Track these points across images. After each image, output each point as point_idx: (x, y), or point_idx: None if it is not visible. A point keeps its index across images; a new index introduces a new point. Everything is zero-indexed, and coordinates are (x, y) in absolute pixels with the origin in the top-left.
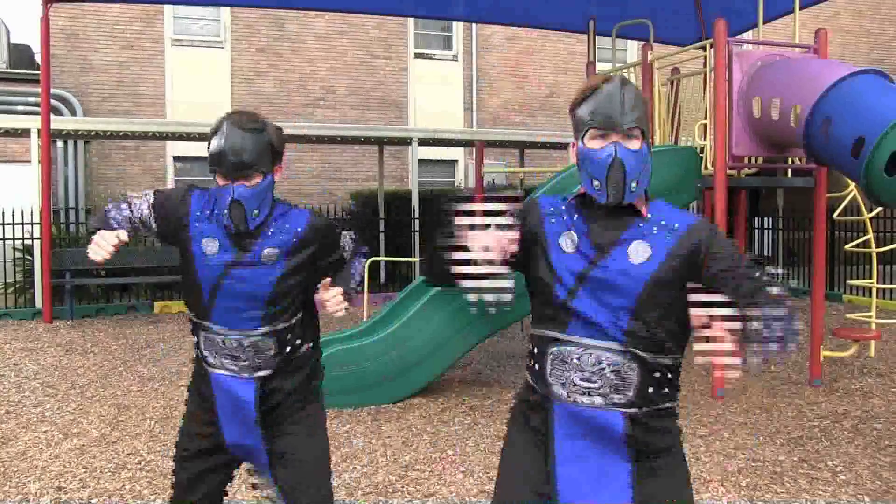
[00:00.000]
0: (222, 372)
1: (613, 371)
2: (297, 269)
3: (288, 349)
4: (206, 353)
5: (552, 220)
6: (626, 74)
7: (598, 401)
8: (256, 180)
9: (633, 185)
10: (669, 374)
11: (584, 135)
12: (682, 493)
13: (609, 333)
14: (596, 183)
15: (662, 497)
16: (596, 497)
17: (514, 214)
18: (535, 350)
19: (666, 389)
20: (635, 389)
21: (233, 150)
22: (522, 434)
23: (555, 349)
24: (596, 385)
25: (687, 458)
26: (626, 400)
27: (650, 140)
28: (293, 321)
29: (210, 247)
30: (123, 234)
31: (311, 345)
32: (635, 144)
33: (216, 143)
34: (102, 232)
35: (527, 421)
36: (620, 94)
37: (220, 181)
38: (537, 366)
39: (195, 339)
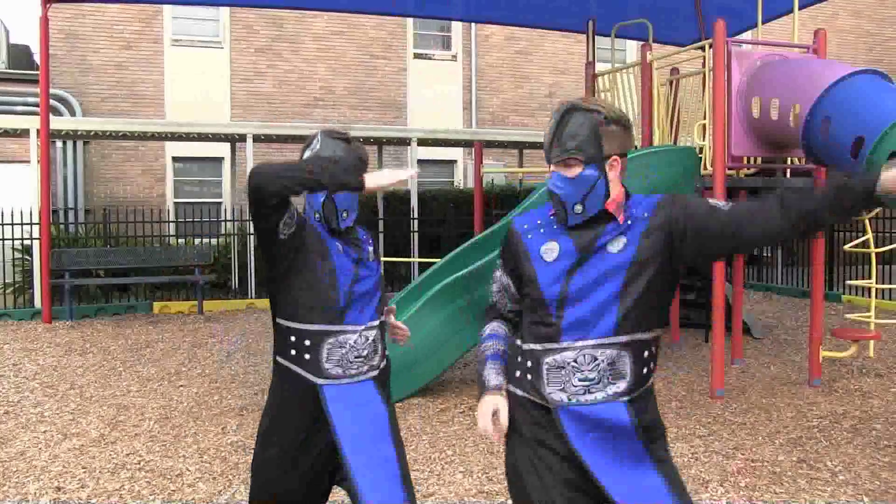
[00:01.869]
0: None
1: (609, 364)
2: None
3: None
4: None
5: (530, 236)
6: (625, 74)
7: (599, 395)
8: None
9: (578, 208)
10: (654, 349)
11: None
12: (677, 475)
13: (600, 329)
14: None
15: (674, 476)
16: (638, 486)
17: (501, 258)
18: (529, 363)
19: (652, 365)
20: (632, 375)
21: (333, 160)
22: (537, 451)
23: (549, 359)
24: (594, 380)
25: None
26: (626, 387)
27: (605, 162)
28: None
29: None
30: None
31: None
32: (573, 172)
33: (320, 150)
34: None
35: (534, 437)
36: (556, 126)
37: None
38: (529, 375)
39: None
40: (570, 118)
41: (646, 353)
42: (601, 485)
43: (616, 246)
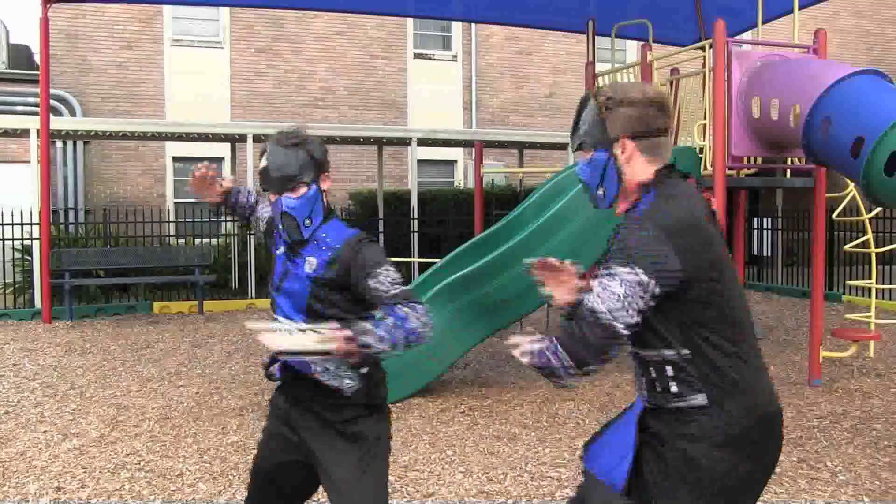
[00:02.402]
0: None
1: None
2: (332, 282)
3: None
4: None
5: None
6: (625, 75)
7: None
8: (301, 191)
9: (600, 191)
10: (670, 370)
11: None
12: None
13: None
14: None
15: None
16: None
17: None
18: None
19: (674, 387)
20: (647, 388)
21: (274, 166)
22: None
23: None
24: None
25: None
26: (644, 399)
27: (615, 142)
28: None
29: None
30: (227, 183)
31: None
32: (587, 156)
33: (262, 162)
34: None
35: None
36: (576, 115)
37: (272, 197)
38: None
39: None
40: (584, 107)
41: (653, 371)
42: None
43: None
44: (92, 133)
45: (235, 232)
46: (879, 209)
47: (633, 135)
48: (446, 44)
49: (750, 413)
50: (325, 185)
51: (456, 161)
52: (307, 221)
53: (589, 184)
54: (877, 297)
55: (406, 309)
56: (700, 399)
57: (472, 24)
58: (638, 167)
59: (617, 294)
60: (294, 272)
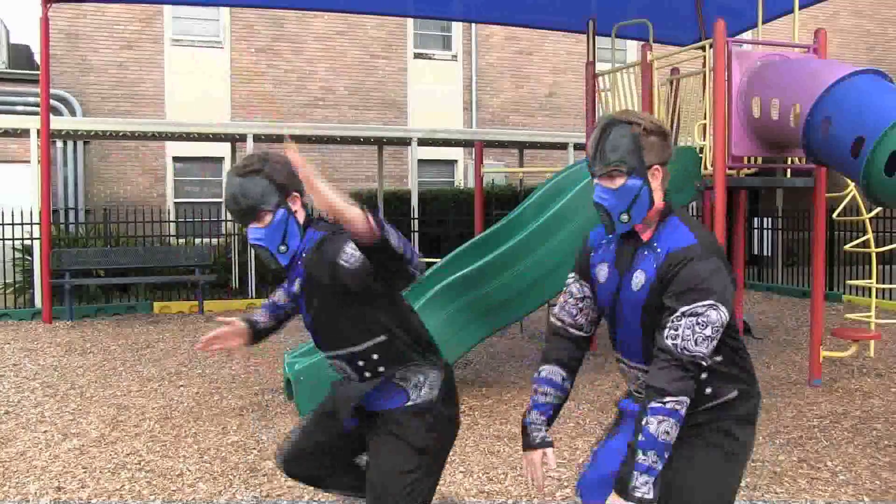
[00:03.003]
0: None
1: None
2: (323, 294)
3: (367, 374)
4: None
5: (593, 253)
6: (625, 74)
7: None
8: (267, 219)
9: (624, 217)
10: (704, 376)
11: None
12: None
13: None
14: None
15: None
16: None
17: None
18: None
19: (708, 390)
20: None
21: (232, 199)
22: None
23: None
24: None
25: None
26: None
27: (648, 171)
28: (366, 346)
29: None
30: (237, 326)
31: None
32: (616, 183)
33: (224, 196)
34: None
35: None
36: (598, 140)
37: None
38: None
39: None
40: (611, 131)
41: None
42: None
43: (637, 282)
44: (92, 133)
45: (235, 232)
46: (879, 209)
47: (662, 163)
48: (446, 44)
49: (760, 394)
50: (294, 207)
51: (456, 161)
52: (281, 248)
53: (612, 210)
54: (877, 297)
55: None
56: (733, 394)
57: (473, 24)
58: (658, 195)
59: (708, 337)
60: (303, 303)
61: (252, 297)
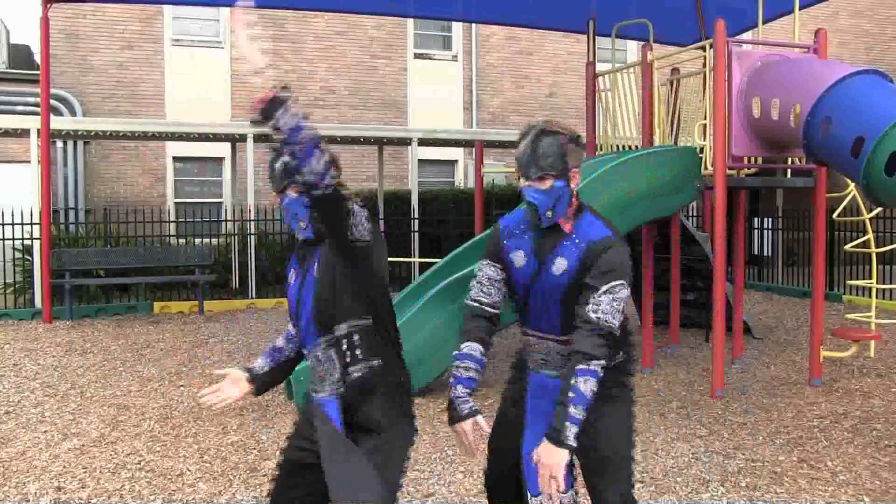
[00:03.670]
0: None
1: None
2: (325, 271)
3: (347, 360)
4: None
5: (507, 241)
6: (625, 74)
7: (553, 372)
8: (293, 193)
9: (550, 213)
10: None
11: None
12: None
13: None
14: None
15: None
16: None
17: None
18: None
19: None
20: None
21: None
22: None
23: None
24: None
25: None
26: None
27: (569, 174)
28: (356, 325)
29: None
30: (235, 375)
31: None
32: (546, 185)
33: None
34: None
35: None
36: (532, 148)
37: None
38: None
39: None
40: (542, 140)
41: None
42: None
43: (559, 267)
44: (92, 133)
45: (236, 232)
46: (880, 209)
47: (579, 167)
48: (446, 44)
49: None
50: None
51: (456, 161)
52: (302, 225)
53: (540, 207)
54: (877, 297)
55: None
56: (622, 356)
57: (473, 24)
58: (574, 193)
59: (619, 311)
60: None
61: (252, 297)
